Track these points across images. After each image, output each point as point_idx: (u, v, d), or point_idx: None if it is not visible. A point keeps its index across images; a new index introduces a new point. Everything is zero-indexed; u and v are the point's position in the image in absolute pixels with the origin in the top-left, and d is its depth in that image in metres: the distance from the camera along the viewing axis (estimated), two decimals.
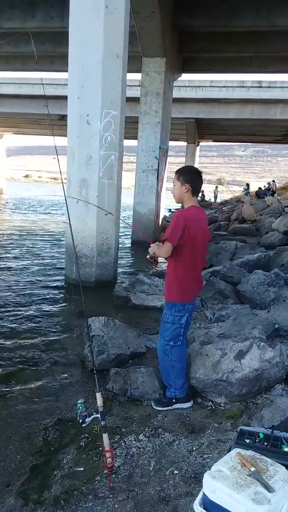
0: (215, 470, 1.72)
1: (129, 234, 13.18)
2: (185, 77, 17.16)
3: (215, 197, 29.76)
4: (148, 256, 2.95)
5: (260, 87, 21.87)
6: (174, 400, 2.98)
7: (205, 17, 11.16)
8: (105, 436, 2.15)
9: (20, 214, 18.79)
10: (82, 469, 2.34)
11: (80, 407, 2.20)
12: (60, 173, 2.58)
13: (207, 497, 1.67)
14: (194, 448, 2.50)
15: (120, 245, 7.88)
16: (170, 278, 2.95)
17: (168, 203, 16.46)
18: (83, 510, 2.04)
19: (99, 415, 2.17)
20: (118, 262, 7.39)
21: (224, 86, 22.27)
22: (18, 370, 3.67)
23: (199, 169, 3.11)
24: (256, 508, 1.52)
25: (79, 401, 2.23)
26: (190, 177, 2.90)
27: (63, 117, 10.61)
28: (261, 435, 2.17)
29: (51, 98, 22.37)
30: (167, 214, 20.59)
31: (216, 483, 1.64)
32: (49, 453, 2.51)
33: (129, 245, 12.03)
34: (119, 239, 7.53)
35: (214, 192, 31.22)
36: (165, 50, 11.20)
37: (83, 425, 2.20)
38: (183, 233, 2.72)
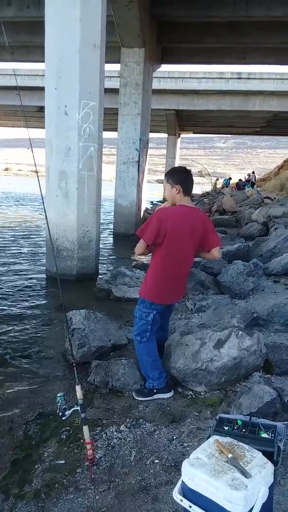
0: (193, 457, 1.74)
1: (110, 227, 13.13)
2: (165, 68, 17.14)
3: (215, 187, 29.07)
4: None
5: (240, 78, 21.97)
6: (155, 391, 3.00)
7: (183, 7, 11.10)
8: (85, 428, 2.15)
9: (1, 208, 18.49)
10: (63, 462, 2.34)
11: (60, 400, 2.19)
12: (35, 165, 2.52)
13: (186, 485, 1.68)
14: (175, 437, 2.53)
15: (101, 238, 7.85)
16: (147, 274, 2.94)
17: (150, 195, 16.40)
18: (64, 502, 2.05)
19: (79, 408, 2.17)
20: (100, 255, 7.36)
21: (203, 77, 22.29)
22: None
23: (187, 167, 2.99)
24: (233, 494, 1.55)
25: (58, 394, 2.22)
26: (180, 177, 2.82)
27: (42, 109, 10.45)
28: (239, 422, 2.20)
29: (29, 89, 22.03)
30: (149, 206, 20.56)
31: (194, 471, 1.66)
32: (30, 447, 2.50)
33: (111, 237, 11.99)
34: (100, 232, 7.49)
35: (215, 184, 30.68)
36: (144, 40, 11.10)
37: (63, 418, 2.19)
38: (158, 231, 2.67)
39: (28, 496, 2.10)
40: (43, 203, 2.69)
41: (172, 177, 2.83)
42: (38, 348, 4.03)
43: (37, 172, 2.71)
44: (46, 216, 2.79)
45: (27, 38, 13.01)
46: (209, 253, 2.94)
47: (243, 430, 2.15)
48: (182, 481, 1.72)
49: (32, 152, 2.56)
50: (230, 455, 1.71)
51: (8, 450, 2.48)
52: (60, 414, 2.17)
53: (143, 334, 2.95)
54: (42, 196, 2.73)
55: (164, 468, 2.26)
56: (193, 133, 40.41)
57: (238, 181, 28.85)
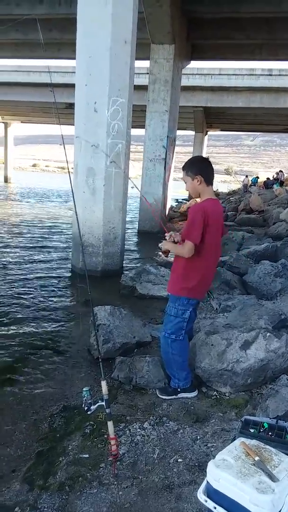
0: (219, 459, 1.72)
1: (135, 224, 13.15)
2: (194, 64, 16.91)
3: (245, 186, 27.64)
4: (160, 245, 2.89)
5: (270, 75, 21.54)
6: (179, 390, 2.98)
7: (214, 3, 10.97)
8: (110, 424, 2.16)
9: (27, 204, 18.84)
10: (87, 456, 2.36)
11: (86, 395, 2.21)
12: (67, 162, 2.54)
13: (211, 485, 1.67)
14: (198, 437, 2.51)
15: (126, 235, 7.86)
16: (181, 272, 2.81)
17: (175, 193, 16.29)
18: (87, 496, 2.06)
19: (104, 403, 2.18)
20: (125, 251, 7.38)
21: (233, 74, 21.97)
22: (25, 357, 3.70)
23: (205, 156, 2.96)
24: (260, 497, 1.52)
25: (84, 389, 2.23)
26: (199, 167, 2.75)
27: (71, 106, 10.59)
28: (266, 425, 2.17)
29: (58, 86, 22.25)
30: (174, 204, 20.47)
31: (220, 472, 1.64)
32: (55, 439, 2.53)
33: (136, 234, 12.01)
34: (126, 229, 7.51)
35: (243, 182, 29.03)
36: (174, 36, 11.04)
37: (88, 413, 2.21)
38: (203, 228, 2.62)
39: (52, 488, 2.12)
40: (73, 200, 2.70)
41: (191, 169, 2.75)
42: (63, 343, 4.08)
43: (68, 169, 2.73)
44: (76, 212, 2.81)
45: (59, 35, 13.14)
46: None
47: (270, 433, 2.12)
48: (207, 481, 1.70)
49: (64, 149, 2.58)
50: (257, 458, 1.68)
51: (34, 442, 2.52)
52: (86, 408, 2.19)
53: (179, 332, 2.88)
54: (73, 193, 2.74)
55: (187, 468, 2.25)
56: (221, 130, 40.00)
57: (266, 179, 28.28)
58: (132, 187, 5.22)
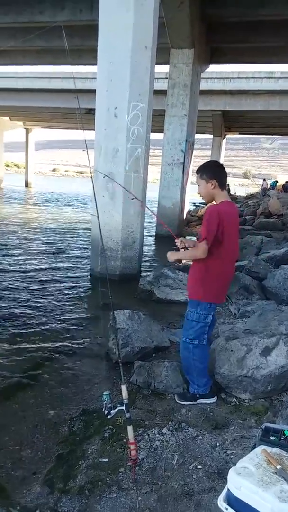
0: (240, 466, 1.71)
1: (153, 228, 13.16)
2: (212, 68, 16.91)
3: (264, 190, 27.03)
4: (172, 259, 2.88)
5: None
6: (198, 396, 2.97)
7: (234, 7, 10.93)
8: (129, 429, 2.17)
9: (47, 208, 19.08)
10: (106, 460, 2.37)
11: (106, 399, 2.22)
12: (90, 167, 2.57)
13: (231, 493, 1.66)
14: (218, 444, 2.49)
15: (144, 239, 7.88)
16: (200, 276, 2.80)
17: (192, 196, 16.19)
18: (107, 500, 2.07)
19: (124, 407, 2.18)
20: (142, 255, 7.39)
21: (252, 77, 21.78)
22: (44, 361, 3.74)
23: (219, 161, 2.97)
24: (282, 506, 1.51)
25: (105, 393, 2.24)
26: (213, 171, 2.80)
27: (90, 111, 10.69)
28: (287, 433, 2.14)
29: (79, 92, 22.50)
30: (192, 208, 20.43)
31: (241, 480, 1.63)
32: (75, 443, 2.55)
33: (153, 238, 12.02)
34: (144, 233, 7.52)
35: (262, 185, 28.19)
36: (193, 41, 11.04)
37: (108, 417, 2.22)
38: (218, 229, 2.62)
39: (72, 491, 2.14)
40: (95, 204, 2.72)
41: (205, 173, 2.80)
42: (82, 346, 4.11)
43: (91, 175, 2.75)
44: (98, 216, 2.83)
45: (79, 42, 13.28)
46: None
47: None
48: (228, 489, 1.70)
49: (87, 154, 2.61)
50: (279, 466, 1.67)
51: (54, 445, 2.54)
52: (106, 412, 2.20)
53: (201, 337, 2.86)
54: (95, 197, 2.77)
55: (207, 475, 2.23)
56: (239, 133, 39.73)
57: (285, 183, 27.93)
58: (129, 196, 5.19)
